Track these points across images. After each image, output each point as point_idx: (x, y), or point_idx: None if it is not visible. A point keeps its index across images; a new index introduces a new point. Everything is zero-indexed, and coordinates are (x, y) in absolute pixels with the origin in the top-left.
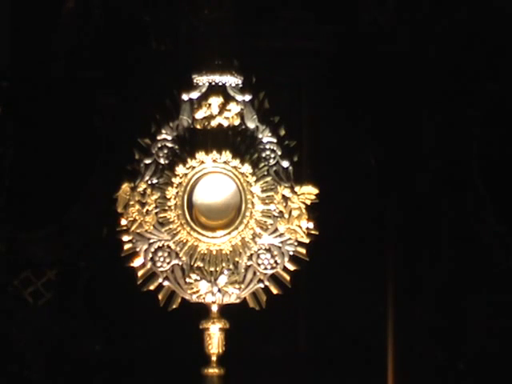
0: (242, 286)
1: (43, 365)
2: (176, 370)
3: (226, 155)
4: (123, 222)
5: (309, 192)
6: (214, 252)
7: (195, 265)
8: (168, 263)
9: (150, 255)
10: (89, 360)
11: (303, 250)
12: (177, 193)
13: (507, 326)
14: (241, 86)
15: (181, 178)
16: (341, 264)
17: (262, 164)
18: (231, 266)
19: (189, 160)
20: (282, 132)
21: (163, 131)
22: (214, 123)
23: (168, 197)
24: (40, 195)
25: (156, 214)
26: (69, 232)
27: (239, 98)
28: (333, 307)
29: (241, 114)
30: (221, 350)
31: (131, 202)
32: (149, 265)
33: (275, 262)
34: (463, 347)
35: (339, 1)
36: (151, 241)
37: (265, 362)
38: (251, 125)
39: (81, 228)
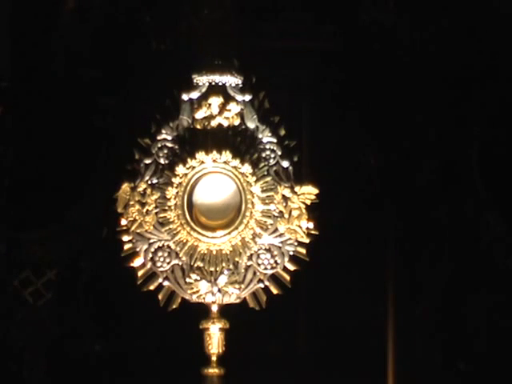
0: (242, 286)
1: (43, 365)
2: (176, 369)
3: (226, 155)
4: (123, 222)
5: (309, 192)
6: (214, 252)
7: (195, 265)
8: (168, 263)
9: (150, 255)
10: (89, 360)
11: (303, 250)
12: (177, 193)
13: (507, 326)
14: (241, 86)
15: (181, 177)
16: (341, 264)
17: (262, 164)
18: (231, 266)
19: (189, 160)
20: (282, 132)
21: (163, 131)
22: (214, 123)
23: (168, 197)
24: (40, 195)
25: (156, 213)
26: (69, 232)
27: (239, 98)
28: (333, 307)
29: (241, 114)
30: (221, 350)
31: (131, 202)
32: (149, 265)
33: (275, 261)
34: (463, 347)
35: (339, 1)
36: (151, 241)
37: (265, 361)
38: (251, 125)
39: (81, 228)
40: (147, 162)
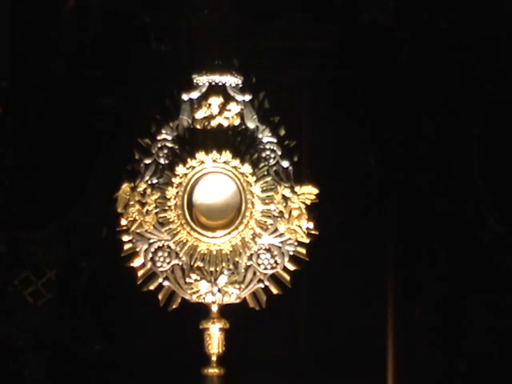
0: (242, 286)
1: (43, 365)
2: (176, 370)
3: (226, 155)
4: (123, 222)
5: (309, 192)
6: (214, 252)
7: (195, 265)
8: (168, 263)
9: (150, 255)
10: (89, 360)
11: (303, 250)
12: (177, 193)
13: (507, 327)
14: (241, 86)
15: (181, 178)
16: (341, 264)
17: (262, 164)
18: (231, 266)
19: (189, 160)
20: (282, 132)
21: (163, 131)
22: (214, 123)
23: (168, 197)
24: (40, 195)
25: (156, 214)
26: (69, 232)
27: (239, 98)
28: (333, 307)
29: (241, 114)
30: (221, 350)
31: (131, 202)
32: (149, 265)
33: (275, 261)
34: (463, 347)
35: (339, 1)
36: (151, 241)
37: (265, 362)
38: (251, 125)
39: (81, 228)
40: (147, 161)
